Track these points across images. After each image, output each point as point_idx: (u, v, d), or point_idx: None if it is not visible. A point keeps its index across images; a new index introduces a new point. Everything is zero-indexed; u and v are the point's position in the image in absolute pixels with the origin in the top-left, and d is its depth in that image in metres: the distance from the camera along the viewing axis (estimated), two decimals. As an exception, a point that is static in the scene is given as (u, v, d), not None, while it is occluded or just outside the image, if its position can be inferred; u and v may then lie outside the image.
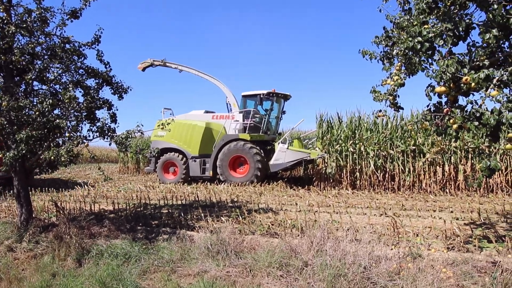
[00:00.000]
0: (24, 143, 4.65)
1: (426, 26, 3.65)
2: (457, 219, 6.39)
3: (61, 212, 6.29)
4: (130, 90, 7.18)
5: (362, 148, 10.56)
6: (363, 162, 10.57)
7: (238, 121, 12.53)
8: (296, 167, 12.75)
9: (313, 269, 4.24)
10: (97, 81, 6.49)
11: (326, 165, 10.93)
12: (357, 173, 10.60)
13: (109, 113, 6.31)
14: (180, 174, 12.96)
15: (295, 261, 4.42)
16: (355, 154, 10.70)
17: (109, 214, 7.43)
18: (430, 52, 3.59)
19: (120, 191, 11.25)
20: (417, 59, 3.79)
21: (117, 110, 6.48)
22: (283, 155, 11.20)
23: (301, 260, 4.43)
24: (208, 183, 12.31)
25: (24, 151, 4.73)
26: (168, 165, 13.38)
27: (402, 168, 10.11)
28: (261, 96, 12.29)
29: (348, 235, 4.85)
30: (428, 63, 3.86)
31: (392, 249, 4.72)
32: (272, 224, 6.25)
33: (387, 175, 10.34)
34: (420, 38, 3.51)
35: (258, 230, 5.76)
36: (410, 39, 3.56)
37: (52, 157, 4.65)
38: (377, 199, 8.82)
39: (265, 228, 5.68)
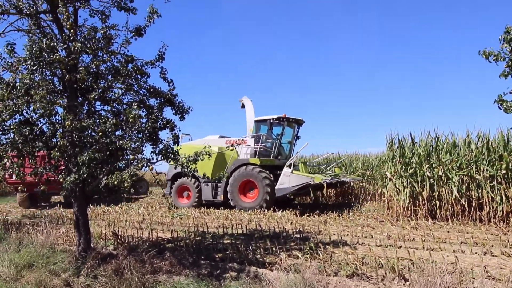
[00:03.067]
0: (86, 166, 4.25)
1: None
2: None
3: (121, 242, 5.80)
4: (191, 110, 6.75)
5: (440, 173, 9.29)
6: (442, 188, 9.27)
7: (249, 145, 12.54)
8: (302, 192, 12.24)
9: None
10: (159, 100, 6.11)
11: (398, 191, 9.74)
12: (436, 201, 9.29)
13: (171, 133, 5.84)
14: (194, 199, 13.11)
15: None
16: (432, 179, 9.44)
17: (167, 244, 6.87)
18: None
19: (175, 217, 10.80)
20: None
21: (179, 131, 6.01)
22: (287, 179, 11.07)
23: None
24: (267, 210, 11.51)
25: (85, 175, 4.33)
26: (182, 190, 13.55)
27: (492, 196, 8.68)
28: (271, 121, 12.37)
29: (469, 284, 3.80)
30: None
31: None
32: (356, 262, 5.30)
33: (473, 204, 8.93)
34: None
35: (342, 269, 4.83)
36: None
37: (116, 182, 4.17)
38: (468, 232, 7.50)
39: (352, 268, 4.74)
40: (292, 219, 9.51)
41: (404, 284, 4.34)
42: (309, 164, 14.03)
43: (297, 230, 7.69)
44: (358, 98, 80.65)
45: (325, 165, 13.97)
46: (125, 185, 4.17)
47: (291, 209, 11.43)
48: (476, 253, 5.78)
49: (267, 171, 11.74)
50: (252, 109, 13.36)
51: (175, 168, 12.14)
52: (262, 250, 5.94)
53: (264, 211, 11.17)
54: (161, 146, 5.33)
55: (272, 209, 11.45)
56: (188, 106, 6.69)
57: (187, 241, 6.76)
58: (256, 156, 12.28)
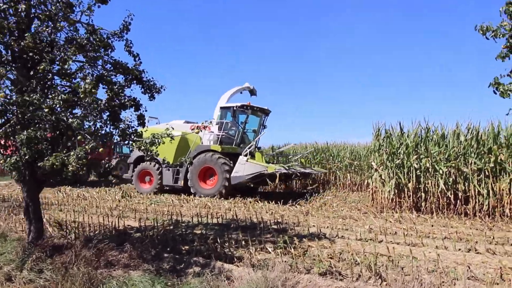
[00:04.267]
0: (26, 147, 3.74)
1: None
2: None
3: (65, 234, 5.30)
4: (164, 89, 6.23)
5: (428, 164, 8.93)
6: (428, 180, 8.93)
7: (213, 132, 12.34)
8: (258, 181, 11.85)
9: None
10: (125, 77, 5.56)
11: (383, 182, 9.38)
12: (422, 193, 8.96)
13: (136, 114, 5.32)
14: (155, 184, 12.94)
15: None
16: (419, 171, 9.09)
17: (135, 233, 6.42)
18: None
19: (151, 203, 10.33)
20: None
21: (146, 111, 5.49)
22: (242, 167, 10.91)
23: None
24: (248, 200, 11.10)
25: (27, 156, 3.82)
26: (144, 174, 13.33)
27: (479, 190, 8.37)
28: (235, 108, 12.16)
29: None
30: None
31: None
32: (331, 258, 4.91)
33: (459, 197, 8.62)
34: None
35: (315, 266, 4.43)
36: None
37: (56, 164, 3.66)
38: (452, 227, 7.18)
39: (325, 266, 4.34)
40: (273, 208, 9.11)
41: (380, 284, 3.96)
42: (275, 154, 14.12)
43: (275, 221, 7.28)
44: (352, 88, 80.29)
45: (291, 156, 13.92)
46: (69, 168, 3.67)
47: (272, 200, 11.04)
48: (459, 249, 5.44)
49: (228, 159, 11.52)
50: (228, 96, 12.89)
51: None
52: (233, 242, 5.51)
53: (246, 200, 10.76)
54: (122, 125, 4.81)
55: (254, 198, 11.03)
56: (161, 85, 6.19)
57: (155, 230, 6.31)
58: (218, 143, 12.08)
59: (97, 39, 5.16)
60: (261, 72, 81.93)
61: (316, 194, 11.93)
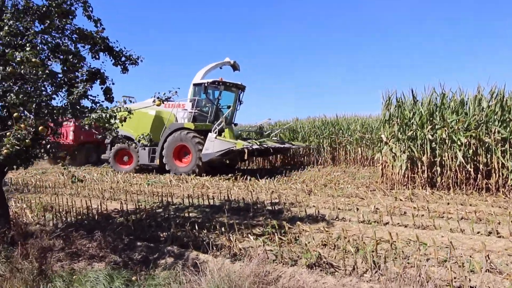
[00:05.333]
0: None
1: None
2: None
3: (54, 218, 4.82)
4: (141, 61, 5.57)
5: (444, 135, 8.05)
6: (445, 153, 8.08)
7: (186, 109, 12.21)
8: (230, 158, 11.96)
9: None
10: (90, 47, 4.91)
11: (394, 156, 8.58)
12: (437, 167, 8.13)
13: (102, 87, 4.70)
14: (135, 163, 12.93)
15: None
16: (434, 143, 8.23)
17: (118, 218, 5.94)
18: None
19: (149, 184, 9.90)
20: None
21: (113, 84, 4.86)
22: (211, 144, 10.86)
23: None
24: (249, 178, 10.52)
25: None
26: (122, 154, 13.25)
27: (503, 162, 7.47)
28: (205, 84, 11.84)
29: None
30: None
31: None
32: (324, 245, 4.28)
33: (480, 171, 7.77)
34: None
35: (303, 256, 3.81)
36: None
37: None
38: (471, 205, 6.40)
39: (314, 256, 3.71)
40: (274, 187, 8.49)
41: (378, 280, 3.30)
42: (253, 130, 13.85)
43: (271, 202, 6.68)
44: (364, 59, 77.42)
45: (269, 131, 13.64)
46: (3, 151, 3.11)
47: (275, 176, 10.43)
48: (478, 232, 4.71)
49: (202, 136, 11.35)
50: (203, 72, 12.51)
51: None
52: (218, 227, 4.94)
53: (246, 178, 10.19)
54: (72, 97, 4.15)
55: (256, 176, 10.44)
56: (137, 56, 5.53)
57: (138, 215, 5.82)
58: (192, 120, 11.93)
59: (54, 5, 4.48)
60: (254, 42, 79.84)
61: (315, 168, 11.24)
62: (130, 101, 12.89)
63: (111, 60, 5.25)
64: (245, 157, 11.14)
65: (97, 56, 5.07)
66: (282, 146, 12.30)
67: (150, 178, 10.84)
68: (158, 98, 3.75)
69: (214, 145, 10.82)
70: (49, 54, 4.18)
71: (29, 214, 6.03)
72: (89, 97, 4.41)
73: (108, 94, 4.71)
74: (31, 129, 3.19)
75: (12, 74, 3.63)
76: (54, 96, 3.95)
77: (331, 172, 11.51)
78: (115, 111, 3.54)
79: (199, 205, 6.87)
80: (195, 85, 12.29)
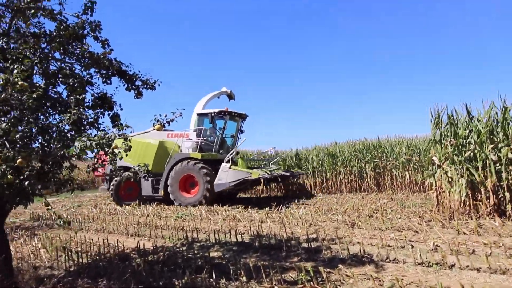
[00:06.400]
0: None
1: None
2: None
3: (70, 259, 4.29)
4: (159, 85, 5.17)
5: (510, 154, 6.83)
6: (515, 175, 6.82)
7: (191, 139, 12.15)
8: (241, 188, 12.11)
9: None
10: (100, 72, 4.54)
11: (450, 180, 7.41)
12: (506, 193, 6.87)
13: (109, 114, 4.25)
14: (139, 195, 12.44)
15: None
16: (498, 164, 7.02)
17: (136, 259, 5.34)
18: None
19: (180, 217, 9.35)
20: None
21: (121, 109, 4.41)
22: (225, 174, 10.70)
23: None
24: (284, 208, 9.69)
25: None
26: (125, 186, 12.66)
27: None
28: (212, 114, 11.92)
29: None
30: None
31: None
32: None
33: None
34: None
35: (346, 318, 2.93)
36: None
37: None
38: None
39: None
40: (311, 219, 7.58)
41: None
42: (253, 159, 13.85)
43: (308, 237, 5.80)
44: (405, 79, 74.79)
45: (265, 162, 13.69)
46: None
47: (312, 207, 9.51)
48: None
49: (208, 166, 11.27)
50: (204, 102, 12.58)
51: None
52: (243, 272, 4.16)
53: (281, 208, 9.36)
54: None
55: (289, 206, 9.59)
56: (154, 80, 5.13)
57: (154, 256, 5.19)
58: (197, 150, 11.81)
59: (61, 28, 4.18)
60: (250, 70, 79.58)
61: (357, 195, 10.15)
62: (130, 132, 13.00)
63: (124, 85, 4.87)
64: (261, 186, 11.30)
65: (108, 81, 4.70)
66: (288, 174, 12.37)
67: (180, 211, 10.30)
68: (157, 121, 3.19)
69: (228, 175, 10.65)
70: (51, 79, 3.79)
71: (44, 255, 5.61)
72: (95, 125, 3.96)
73: (116, 121, 4.25)
74: (11, 163, 2.72)
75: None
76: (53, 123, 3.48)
77: (376, 199, 10.37)
78: (107, 138, 2.99)
79: (226, 242, 6.14)
80: (199, 115, 12.35)
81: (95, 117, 4.07)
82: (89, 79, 4.53)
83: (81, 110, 3.44)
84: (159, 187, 11.98)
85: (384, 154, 13.02)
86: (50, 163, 3.54)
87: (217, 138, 12.36)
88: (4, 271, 4.05)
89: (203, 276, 3.81)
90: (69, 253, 5.26)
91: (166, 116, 3.19)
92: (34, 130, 3.17)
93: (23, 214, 12.51)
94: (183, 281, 3.86)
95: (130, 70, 4.88)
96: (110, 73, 4.69)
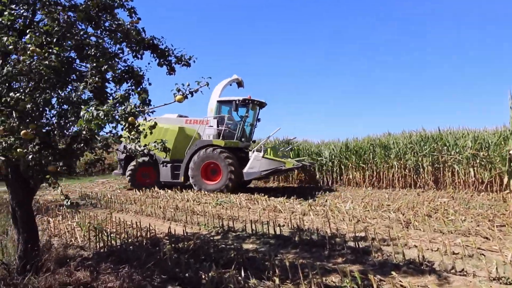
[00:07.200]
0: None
1: None
2: None
3: (102, 240, 4.07)
4: (194, 61, 4.74)
5: None
6: None
7: (212, 126, 12.11)
8: (269, 177, 12.72)
9: None
10: (128, 45, 4.18)
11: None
12: None
13: (137, 89, 3.88)
14: (154, 179, 12.50)
15: None
16: None
17: (167, 245, 5.03)
18: None
19: (219, 204, 9.04)
20: None
21: (149, 84, 4.03)
22: (258, 163, 10.80)
23: None
24: (327, 201, 8.99)
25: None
26: (141, 171, 12.71)
27: None
28: (237, 102, 11.80)
29: None
30: None
31: None
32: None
33: None
34: None
35: None
36: None
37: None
38: None
39: None
40: (359, 214, 6.83)
41: None
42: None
43: (356, 236, 5.11)
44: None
45: (281, 149, 13.32)
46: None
47: (361, 201, 8.71)
48: None
49: (231, 154, 11.36)
50: (220, 89, 12.47)
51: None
52: (277, 271, 3.63)
53: (326, 202, 8.68)
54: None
55: (336, 200, 8.86)
56: (189, 55, 4.71)
57: (184, 243, 4.84)
58: (221, 137, 11.79)
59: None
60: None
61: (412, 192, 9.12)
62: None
63: (155, 60, 4.48)
64: (295, 175, 12.27)
65: (138, 56, 4.33)
66: (306, 163, 12.72)
67: (220, 197, 10.00)
68: (179, 91, 2.69)
69: (260, 164, 10.71)
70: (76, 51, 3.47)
71: (78, 234, 5.51)
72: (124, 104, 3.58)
73: (144, 96, 3.86)
74: (15, 135, 2.41)
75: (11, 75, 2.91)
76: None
77: (435, 197, 9.28)
78: (123, 110, 2.54)
79: (263, 234, 5.64)
80: (220, 102, 12.29)
81: (126, 94, 3.73)
82: (120, 53, 4.21)
83: (100, 81, 3.07)
84: (179, 173, 12.04)
85: (445, 147, 11.68)
86: (69, 139, 3.24)
87: (239, 126, 12.36)
88: (29, 249, 3.89)
89: (231, 272, 3.33)
90: (100, 234, 5.08)
91: (189, 85, 2.70)
92: (51, 102, 2.84)
93: (74, 193, 13.04)
94: (209, 275, 3.41)
95: (162, 44, 4.49)
96: (141, 47, 4.33)
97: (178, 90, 2.70)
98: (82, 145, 3.43)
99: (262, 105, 12.89)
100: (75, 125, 2.55)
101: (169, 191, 11.63)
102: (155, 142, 3.40)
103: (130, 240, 5.42)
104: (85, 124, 2.29)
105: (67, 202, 2.80)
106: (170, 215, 7.38)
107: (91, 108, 2.31)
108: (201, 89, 2.75)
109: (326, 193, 11.04)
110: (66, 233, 5.69)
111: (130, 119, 2.66)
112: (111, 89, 3.65)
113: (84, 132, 2.49)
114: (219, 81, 13.07)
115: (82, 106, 2.55)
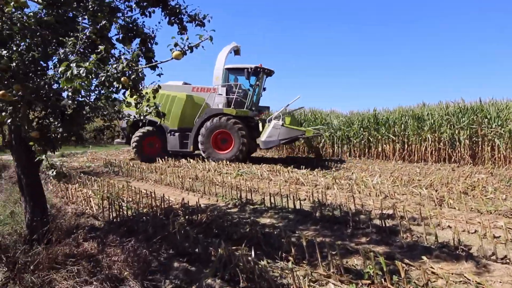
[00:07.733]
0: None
1: None
2: None
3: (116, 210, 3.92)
4: (209, 21, 4.31)
5: None
6: None
7: (221, 95, 11.78)
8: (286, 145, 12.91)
9: None
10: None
11: None
12: None
13: (141, 49, 3.51)
14: (160, 149, 12.18)
15: None
16: None
17: (181, 216, 4.83)
18: None
19: (240, 174, 8.80)
20: None
21: (156, 44, 3.64)
22: (277, 132, 10.39)
23: None
24: (355, 175, 8.52)
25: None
26: (147, 140, 12.27)
27: None
28: (249, 70, 11.43)
29: None
30: None
31: None
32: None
33: None
34: None
35: None
36: None
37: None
38: None
39: None
40: (387, 190, 6.36)
41: None
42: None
43: (382, 213, 4.70)
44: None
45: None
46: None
47: (390, 175, 8.17)
48: None
49: (242, 123, 11.16)
50: (224, 57, 11.85)
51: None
52: (294, 251, 3.32)
53: (352, 175, 8.21)
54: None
55: (363, 174, 8.37)
56: (203, 14, 4.28)
57: (198, 216, 4.61)
58: (232, 106, 11.50)
59: None
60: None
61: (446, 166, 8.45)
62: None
63: (165, 18, 4.08)
64: (315, 144, 12.37)
65: (146, 13, 3.94)
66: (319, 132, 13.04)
67: (241, 168, 9.76)
68: (176, 45, 2.28)
69: (280, 133, 10.34)
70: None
71: (93, 202, 5.41)
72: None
73: (149, 56, 3.50)
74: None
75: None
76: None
77: (471, 173, 8.58)
78: (114, 68, 2.17)
79: (283, 208, 5.33)
80: (228, 70, 11.90)
81: (136, 53, 3.38)
82: (129, 11, 3.83)
83: (96, 38, 2.72)
84: (188, 142, 11.80)
85: (486, 119, 10.75)
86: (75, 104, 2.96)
87: (250, 95, 11.98)
88: (37, 217, 3.77)
89: (241, 251, 3.04)
90: (114, 204, 4.94)
91: (187, 39, 2.29)
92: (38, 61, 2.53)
93: (99, 160, 13.21)
94: (219, 252, 3.15)
95: (173, 0, 4.06)
96: (149, 3, 3.92)
97: (176, 45, 2.30)
98: (88, 110, 3.17)
99: (270, 73, 12.53)
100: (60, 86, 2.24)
101: (192, 160, 11.53)
102: (147, 106, 3.06)
103: (145, 210, 5.29)
104: (67, 83, 1.97)
105: (52, 172, 2.55)
106: (188, 185, 7.20)
107: (72, 64, 1.98)
108: (203, 43, 2.33)
109: (351, 166, 10.55)
110: (82, 201, 5.61)
111: (122, 79, 2.31)
112: (120, 51, 3.30)
113: (70, 94, 2.18)
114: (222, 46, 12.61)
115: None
